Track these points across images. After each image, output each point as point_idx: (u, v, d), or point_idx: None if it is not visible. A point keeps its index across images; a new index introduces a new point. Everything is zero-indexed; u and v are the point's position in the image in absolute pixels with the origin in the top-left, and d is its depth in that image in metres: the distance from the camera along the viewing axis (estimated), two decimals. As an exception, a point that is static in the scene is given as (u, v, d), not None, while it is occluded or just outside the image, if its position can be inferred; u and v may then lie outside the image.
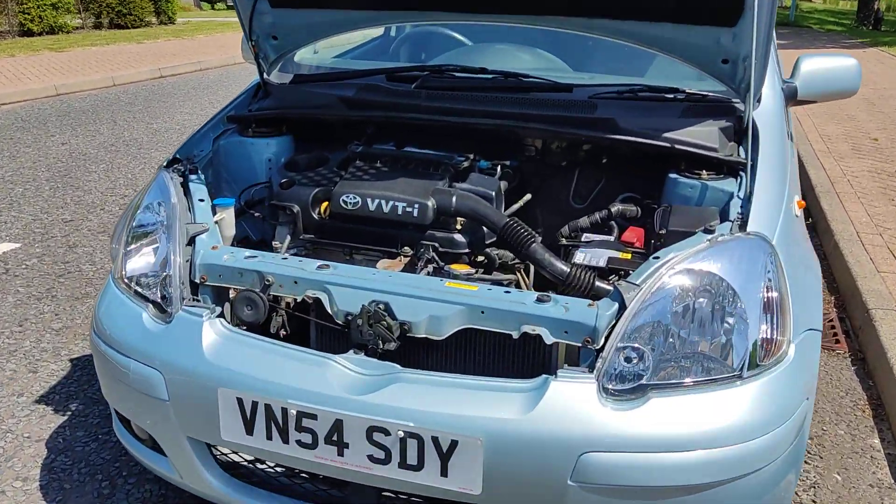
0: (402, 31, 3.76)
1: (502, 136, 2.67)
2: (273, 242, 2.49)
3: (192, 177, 2.59)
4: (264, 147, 2.83)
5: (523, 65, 3.07)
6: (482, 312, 2.01)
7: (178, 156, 2.71)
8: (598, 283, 2.15)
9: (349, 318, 2.07)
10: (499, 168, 2.59)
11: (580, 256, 2.31)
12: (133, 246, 2.44)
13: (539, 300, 2.00)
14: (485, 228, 2.36)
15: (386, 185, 2.40)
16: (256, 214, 2.59)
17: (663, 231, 2.37)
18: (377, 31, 3.95)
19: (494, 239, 2.39)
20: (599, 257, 2.30)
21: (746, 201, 2.29)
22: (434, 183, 2.41)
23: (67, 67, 12.22)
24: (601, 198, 2.78)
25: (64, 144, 7.60)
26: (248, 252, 2.27)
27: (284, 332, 2.34)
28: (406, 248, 2.35)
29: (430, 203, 2.33)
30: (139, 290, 2.33)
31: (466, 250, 2.35)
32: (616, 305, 1.98)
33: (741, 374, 1.94)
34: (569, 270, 2.16)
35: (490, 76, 2.75)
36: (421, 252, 2.33)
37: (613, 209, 2.53)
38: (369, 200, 2.35)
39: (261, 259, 2.23)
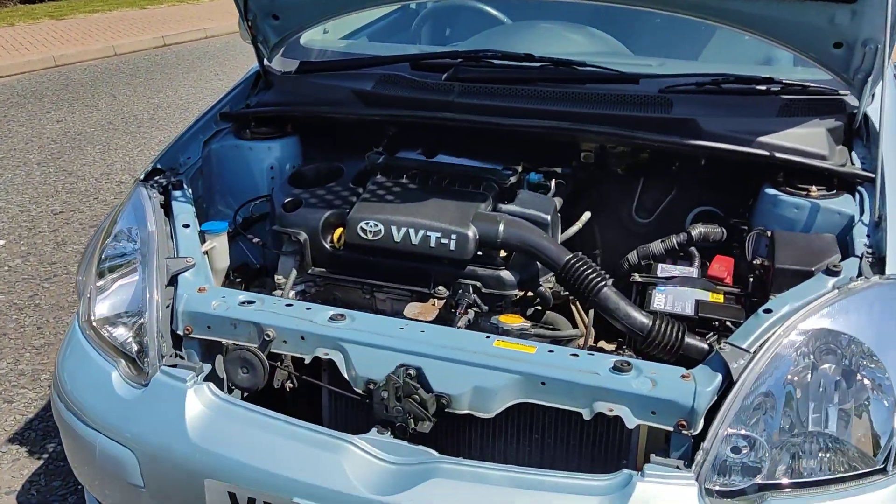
0: (426, 3, 3.24)
1: (554, 141, 2.18)
2: (276, 277, 2.03)
3: (176, 193, 2.12)
4: (265, 152, 2.35)
5: (575, 48, 2.56)
6: (542, 384, 1.56)
7: (158, 166, 2.24)
8: (688, 340, 1.68)
9: (371, 386, 1.62)
10: (553, 182, 2.10)
11: (660, 299, 1.83)
12: (104, 280, 1.99)
13: (617, 368, 1.54)
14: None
15: (414, 207, 1.92)
16: (255, 240, 2.12)
17: (758, 261, 1.90)
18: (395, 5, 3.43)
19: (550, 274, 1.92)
20: (684, 301, 1.82)
21: (874, 228, 1.80)
22: (475, 205, 1.93)
23: (67, 36, 11.70)
24: (671, 211, 2.30)
25: (59, 122, 7.14)
26: (243, 296, 1.81)
27: (291, 385, 1.89)
28: (440, 287, 1.89)
29: (471, 233, 1.86)
30: (111, 337, 1.88)
31: (516, 291, 1.89)
32: (718, 378, 1.51)
33: (885, 469, 1.49)
34: (650, 324, 1.69)
35: (537, 64, 2.25)
36: (459, 294, 1.87)
37: (694, 232, 2.04)
38: (394, 228, 1.88)
39: (259, 306, 1.77)
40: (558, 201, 2.08)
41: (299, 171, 2.23)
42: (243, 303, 1.78)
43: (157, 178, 2.18)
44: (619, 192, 2.33)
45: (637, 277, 1.93)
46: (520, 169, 2.08)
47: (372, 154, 2.12)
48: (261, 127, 2.40)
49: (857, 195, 1.93)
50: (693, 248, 2.05)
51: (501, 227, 1.85)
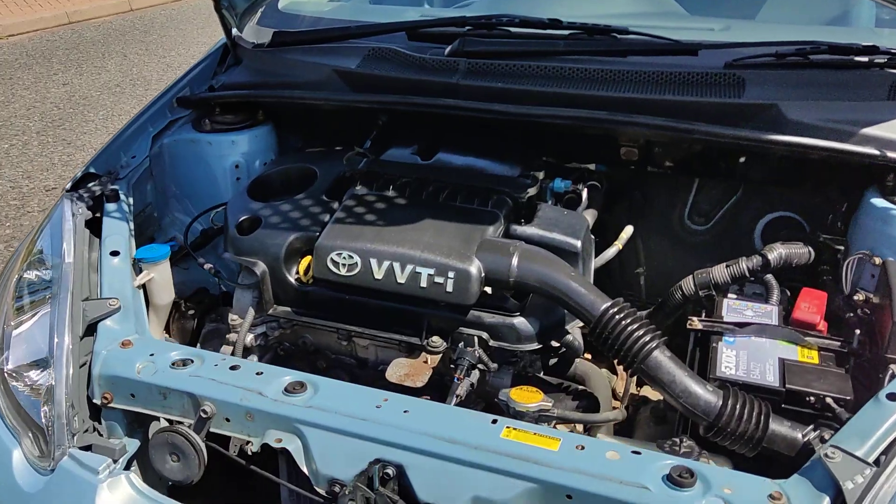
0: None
1: (587, 135, 1.70)
2: (230, 317, 1.59)
3: (110, 207, 1.69)
4: (228, 147, 1.91)
5: (613, 9, 2.05)
6: (568, 497, 1.11)
7: (92, 170, 1.80)
8: (773, 427, 1.22)
9: (336, 489, 1.20)
10: (584, 192, 1.63)
11: (728, 358, 1.36)
12: (22, 317, 1.58)
13: (674, 481, 1.09)
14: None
15: (402, 232, 1.47)
16: (207, 266, 1.69)
17: (860, 296, 1.42)
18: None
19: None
20: (764, 361, 1.35)
21: None
22: (481, 229, 1.46)
23: (84, -10, 11.26)
24: (735, 216, 1.82)
25: (65, 85, 6.75)
26: (177, 352, 1.39)
27: (252, 451, 1.48)
28: (435, 338, 1.44)
29: (475, 269, 1.40)
30: (21, 397, 1.48)
31: (535, 345, 1.43)
32: (825, 502, 1.05)
33: None
34: (719, 403, 1.23)
35: (565, 32, 1.75)
36: (459, 349, 1.42)
37: (772, 255, 1.56)
38: (374, 262, 1.43)
39: (196, 369, 1.35)
40: (591, 216, 1.61)
41: (262, 178, 1.77)
42: (176, 363, 1.36)
43: (89, 185, 1.75)
44: (668, 194, 1.85)
45: (696, 323, 1.46)
46: (541, 176, 1.60)
47: (352, 157, 1.66)
48: (226, 114, 1.95)
49: None
50: (770, 276, 1.57)
51: (515, 262, 1.39)
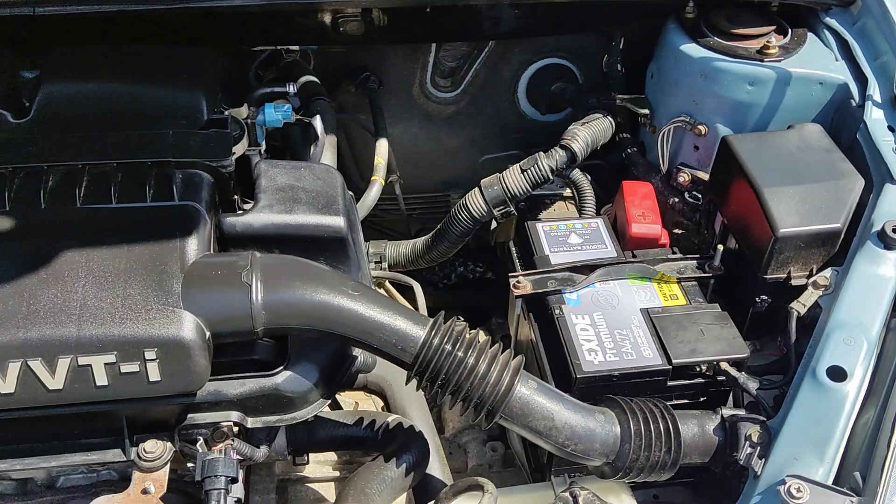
0: None
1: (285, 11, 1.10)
2: None
3: None
4: None
5: None
6: None
7: None
8: (683, 437, 0.88)
9: None
10: (317, 120, 1.05)
11: (584, 333, 0.97)
12: None
13: None
14: None
15: (25, 292, 0.78)
16: None
17: (686, 176, 1.16)
18: None
19: None
20: (628, 325, 0.98)
21: None
22: (173, 246, 0.82)
23: None
24: (492, 71, 1.41)
25: None
26: None
27: None
28: (149, 444, 0.84)
29: (189, 332, 0.77)
30: None
31: (319, 402, 0.90)
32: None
33: None
34: (619, 437, 0.87)
35: None
36: (202, 458, 0.84)
37: (576, 144, 1.17)
38: None
39: None
40: (331, 149, 1.05)
41: None
42: None
43: None
44: (403, 62, 1.37)
45: (524, 285, 1.01)
46: (245, 112, 0.97)
47: None
48: None
49: None
50: (579, 173, 1.20)
51: (258, 296, 0.80)
